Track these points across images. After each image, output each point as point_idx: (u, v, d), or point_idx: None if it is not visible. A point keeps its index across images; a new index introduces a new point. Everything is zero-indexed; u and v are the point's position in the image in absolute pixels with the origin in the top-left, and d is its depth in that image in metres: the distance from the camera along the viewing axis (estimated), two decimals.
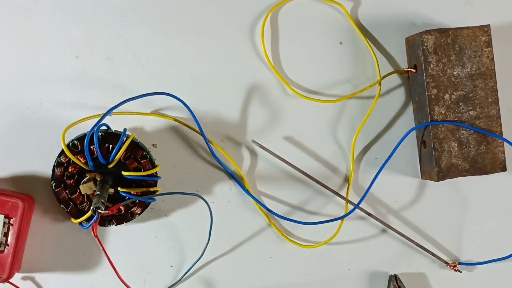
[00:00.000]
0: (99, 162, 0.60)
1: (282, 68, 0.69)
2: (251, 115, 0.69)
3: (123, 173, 0.60)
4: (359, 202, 0.68)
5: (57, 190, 0.62)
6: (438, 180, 0.67)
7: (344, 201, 0.70)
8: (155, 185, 0.63)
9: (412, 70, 0.69)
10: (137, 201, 0.62)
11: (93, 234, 0.59)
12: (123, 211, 0.63)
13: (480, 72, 0.68)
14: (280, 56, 0.69)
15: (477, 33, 0.67)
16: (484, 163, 0.68)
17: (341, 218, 0.69)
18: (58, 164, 0.62)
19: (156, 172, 0.62)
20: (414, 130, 0.70)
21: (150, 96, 0.65)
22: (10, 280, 0.63)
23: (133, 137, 0.62)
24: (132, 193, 0.61)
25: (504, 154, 0.68)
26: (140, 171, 0.62)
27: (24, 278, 0.65)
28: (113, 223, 0.63)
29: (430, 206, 0.71)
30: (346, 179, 0.70)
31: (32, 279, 0.65)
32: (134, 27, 0.67)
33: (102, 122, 0.59)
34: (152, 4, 0.67)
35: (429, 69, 0.67)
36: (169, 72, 0.68)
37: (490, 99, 0.68)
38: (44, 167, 0.65)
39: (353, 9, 0.70)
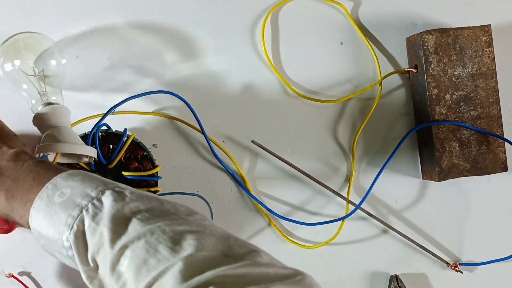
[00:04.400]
0: (100, 162, 0.60)
1: (282, 68, 0.69)
2: (251, 115, 0.69)
3: (124, 173, 0.60)
4: (360, 202, 0.68)
5: None
6: (439, 180, 0.67)
7: (344, 201, 0.69)
8: (155, 185, 0.63)
9: (413, 70, 0.69)
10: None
11: None
12: None
13: (481, 72, 0.68)
14: (281, 56, 0.69)
15: (478, 33, 0.67)
16: (485, 163, 0.68)
17: (343, 218, 0.68)
18: (59, 164, 0.61)
19: (156, 172, 0.62)
20: (415, 130, 0.70)
21: (151, 95, 0.65)
22: (14, 275, 0.64)
23: (134, 137, 0.62)
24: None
25: (505, 154, 0.68)
26: (141, 171, 0.62)
27: (23, 278, 0.65)
28: None
29: (431, 206, 0.71)
30: (347, 179, 0.70)
31: (32, 279, 0.65)
32: (135, 27, 0.67)
33: (103, 122, 0.59)
34: (152, 4, 0.67)
35: (430, 69, 0.67)
36: (170, 72, 0.68)
37: (491, 99, 0.68)
38: None
39: (353, 9, 0.70)
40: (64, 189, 0.41)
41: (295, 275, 0.38)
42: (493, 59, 0.68)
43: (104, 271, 0.38)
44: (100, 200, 0.40)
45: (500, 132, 0.68)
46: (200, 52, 0.68)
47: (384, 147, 0.71)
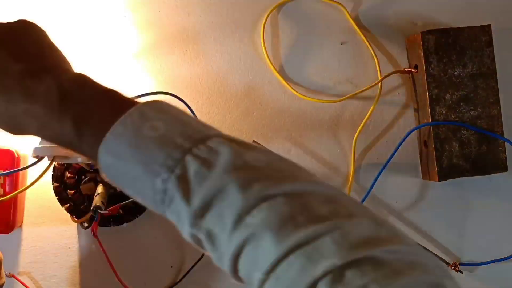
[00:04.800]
0: None
1: (282, 68, 0.69)
2: (251, 115, 0.69)
3: None
4: (361, 202, 0.68)
5: (57, 190, 0.62)
6: (439, 181, 0.67)
7: None
8: None
9: (413, 70, 0.69)
10: (137, 201, 0.62)
11: (93, 234, 0.59)
12: (122, 212, 0.63)
13: (481, 72, 0.68)
14: (281, 56, 0.69)
15: (478, 33, 0.67)
16: (485, 163, 0.68)
17: None
18: (58, 164, 0.62)
19: None
20: (415, 130, 0.70)
21: (150, 96, 0.65)
22: (14, 275, 0.64)
23: None
24: None
25: (505, 154, 0.68)
26: None
27: (23, 278, 0.65)
28: (113, 223, 0.63)
29: (431, 206, 0.71)
30: (347, 179, 0.70)
31: (32, 278, 0.65)
32: (135, 27, 0.67)
33: None
34: (152, 4, 0.67)
35: (430, 69, 0.67)
36: (170, 72, 0.68)
37: (491, 99, 0.68)
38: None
39: (353, 9, 0.70)
40: (156, 122, 0.35)
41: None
42: (493, 59, 0.68)
43: (219, 218, 0.33)
44: (206, 145, 0.34)
45: (500, 132, 0.68)
46: (200, 52, 0.68)
47: (384, 147, 0.71)
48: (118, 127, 0.35)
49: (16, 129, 0.39)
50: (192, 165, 0.34)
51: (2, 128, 0.40)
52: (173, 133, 0.35)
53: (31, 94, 0.37)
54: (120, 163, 0.35)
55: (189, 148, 0.34)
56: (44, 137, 0.38)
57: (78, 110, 0.37)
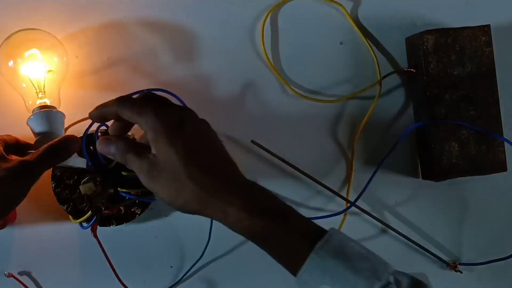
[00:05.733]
0: (99, 162, 0.60)
1: (282, 68, 0.69)
2: (251, 115, 0.69)
3: (123, 173, 0.60)
4: (356, 199, 0.67)
5: (57, 190, 0.62)
6: (438, 180, 0.67)
7: (344, 201, 0.69)
8: None
9: (412, 70, 0.69)
10: (137, 201, 0.62)
11: (92, 234, 0.59)
12: (123, 211, 0.63)
13: (481, 72, 0.68)
14: (280, 56, 0.69)
15: (477, 33, 0.67)
16: (485, 163, 0.68)
17: (336, 214, 0.68)
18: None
19: None
20: (415, 130, 0.70)
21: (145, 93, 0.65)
22: (13, 275, 0.64)
23: (133, 137, 0.62)
24: (132, 193, 0.61)
25: (505, 154, 0.68)
26: None
27: (23, 278, 0.65)
28: (113, 223, 0.63)
29: (431, 206, 0.71)
30: (347, 179, 0.70)
31: (32, 278, 0.65)
32: (134, 26, 0.67)
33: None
34: (152, 4, 0.67)
35: (430, 69, 0.67)
36: (169, 72, 0.68)
37: (490, 99, 0.68)
38: None
39: (353, 9, 0.70)
40: (354, 243, 0.46)
41: None
42: (493, 59, 0.68)
43: None
44: (395, 272, 0.46)
45: (499, 132, 0.68)
46: (200, 52, 0.68)
47: (383, 147, 0.71)
48: (335, 232, 0.45)
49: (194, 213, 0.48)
50: (404, 280, 0.45)
51: (180, 209, 0.48)
52: (375, 256, 0.46)
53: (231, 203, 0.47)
54: (324, 276, 0.44)
55: (393, 271, 0.45)
56: (230, 224, 0.47)
57: (282, 214, 0.46)
